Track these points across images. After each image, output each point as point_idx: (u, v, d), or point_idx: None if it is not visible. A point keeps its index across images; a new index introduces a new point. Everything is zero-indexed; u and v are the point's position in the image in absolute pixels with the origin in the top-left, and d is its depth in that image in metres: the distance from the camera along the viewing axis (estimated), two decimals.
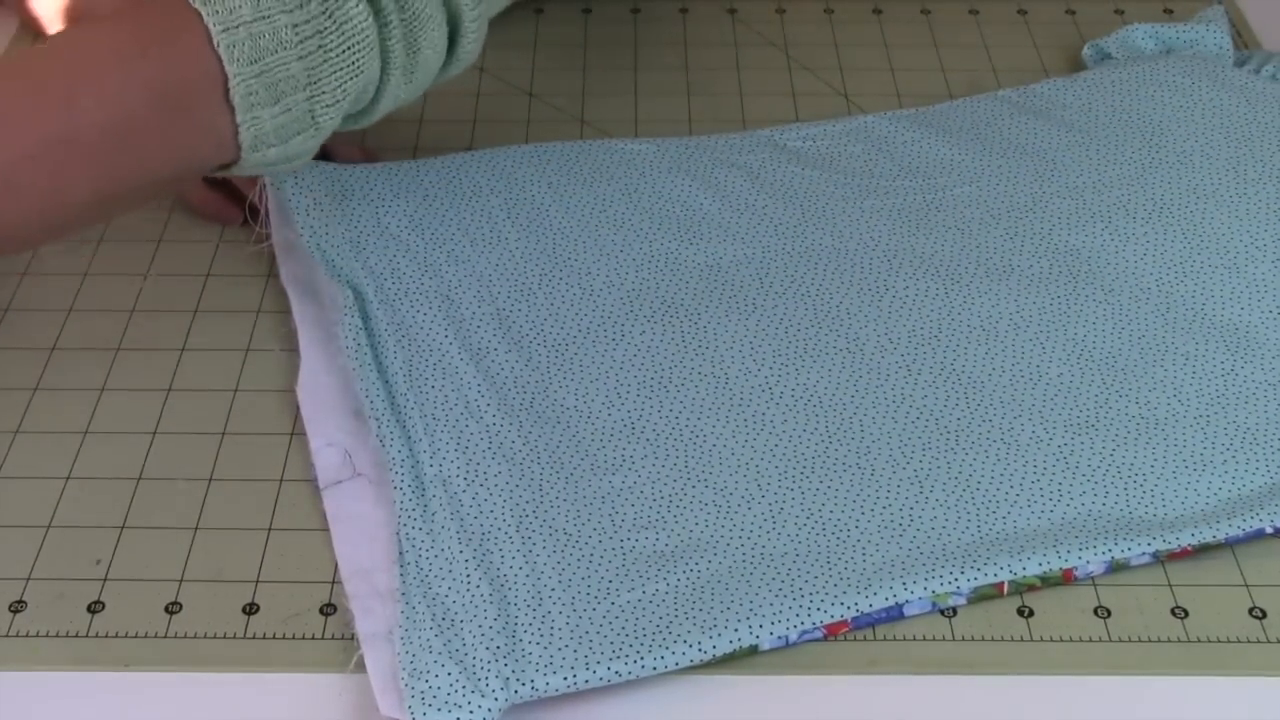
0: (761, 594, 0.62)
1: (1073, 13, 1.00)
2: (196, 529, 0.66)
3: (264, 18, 0.63)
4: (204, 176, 0.68)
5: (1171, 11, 1.00)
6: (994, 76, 0.94)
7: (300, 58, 0.64)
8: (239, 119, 0.63)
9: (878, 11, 1.00)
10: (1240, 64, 0.91)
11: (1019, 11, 1.00)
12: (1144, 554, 0.64)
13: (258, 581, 0.64)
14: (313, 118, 0.66)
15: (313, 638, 0.61)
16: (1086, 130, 0.86)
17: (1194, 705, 0.60)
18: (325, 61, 0.65)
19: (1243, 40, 0.96)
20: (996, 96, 0.89)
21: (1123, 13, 1.00)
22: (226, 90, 0.63)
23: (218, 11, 0.62)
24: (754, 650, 0.61)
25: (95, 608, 0.63)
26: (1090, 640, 0.62)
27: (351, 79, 0.66)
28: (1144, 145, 0.85)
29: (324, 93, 0.65)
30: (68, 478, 0.68)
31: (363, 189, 0.80)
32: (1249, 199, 0.81)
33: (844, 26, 0.98)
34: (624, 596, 0.62)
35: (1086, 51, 0.94)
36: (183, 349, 0.75)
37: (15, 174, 0.60)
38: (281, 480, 0.68)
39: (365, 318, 0.73)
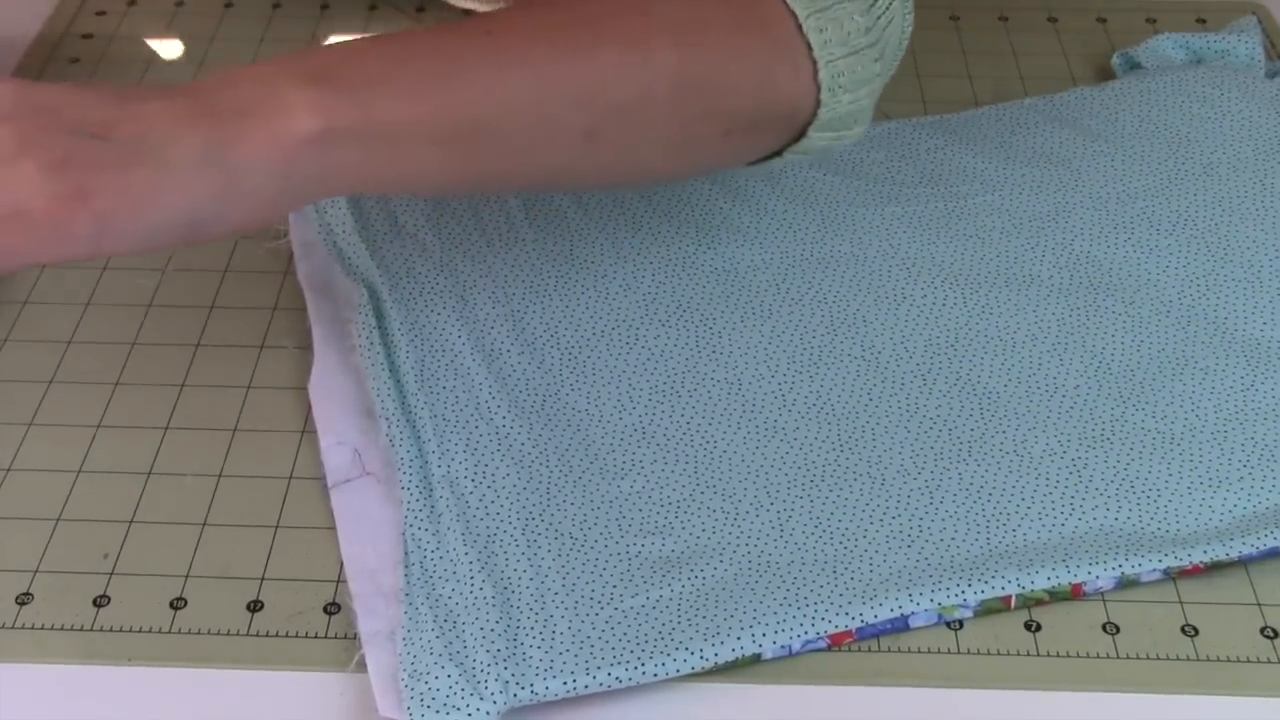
0: (765, 602, 0.61)
1: (1103, 21, 0.99)
2: (204, 525, 0.66)
3: None
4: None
5: (1205, 21, 0.99)
6: (1021, 84, 0.93)
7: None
8: (816, 53, 0.64)
9: None
10: (1272, 75, 0.90)
11: (1049, 19, 0.99)
12: (1155, 570, 0.63)
13: (263, 579, 0.64)
14: (874, 64, 0.66)
15: (315, 636, 0.61)
16: (1112, 140, 0.85)
17: None
18: (872, 6, 0.66)
19: (1276, 51, 0.95)
20: (1022, 105, 0.89)
21: (1154, 21, 0.99)
22: (799, 25, 0.64)
23: None
24: (757, 659, 0.60)
25: (101, 601, 0.63)
26: (1098, 657, 0.61)
27: (888, 25, 0.67)
28: (1170, 156, 0.84)
29: (875, 42, 0.66)
30: (79, 471, 0.68)
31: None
32: (1275, 213, 0.80)
33: None
34: (627, 602, 0.61)
35: (1115, 60, 0.93)
36: (198, 345, 0.75)
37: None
38: (291, 478, 0.68)
39: (379, 316, 0.73)
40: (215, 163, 0.54)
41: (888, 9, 0.67)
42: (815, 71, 0.65)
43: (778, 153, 0.69)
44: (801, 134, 0.67)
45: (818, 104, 0.66)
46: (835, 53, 0.65)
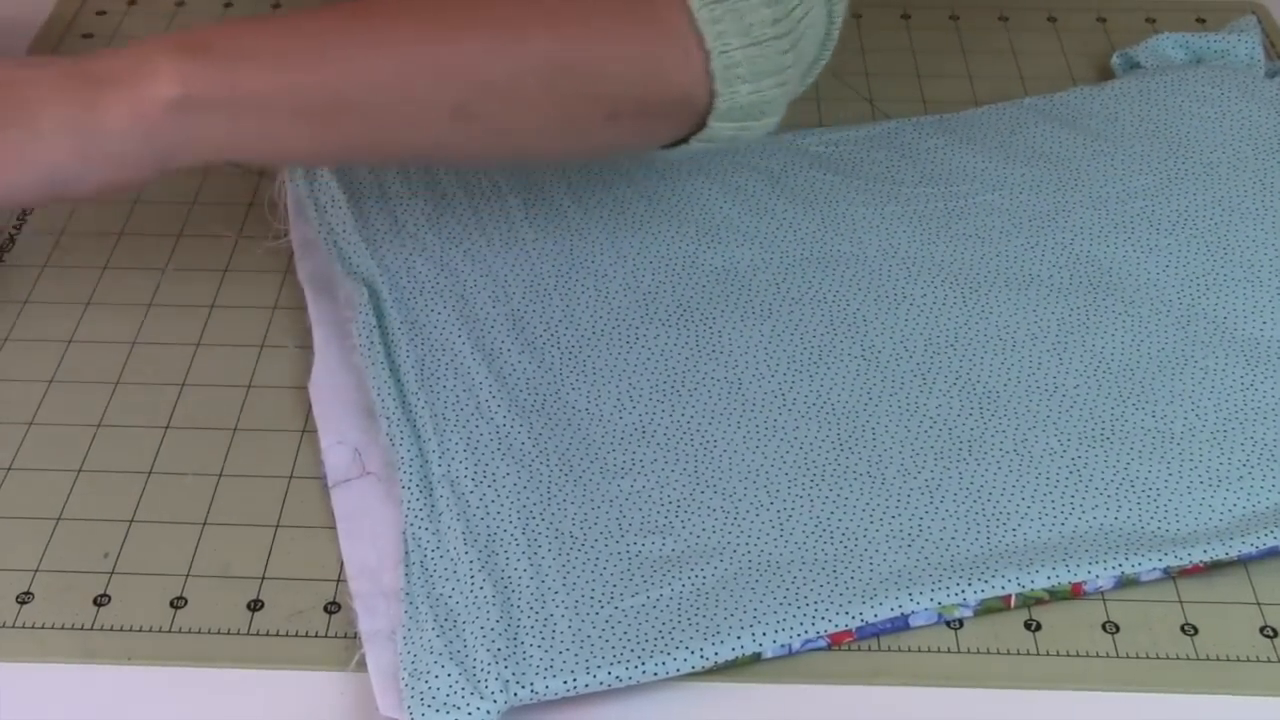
0: (765, 601, 0.61)
1: (1103, 20, 0.99)
2: (205, 524, 0.66)
3: None
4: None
5: (1204, 20, 0.99)
6: (1021, 84, 0.93)
7: None
8: (708, 44, 0.64)
9: (905, 17, 0.99)
10: (1272, 75, 0.90)
11: (1049, 19, 0.99)
12: (1155, 569, 0.63)
13: (263, 578, 0.64)
14: (782, 56, 0.66)
15: (316, 635, 0.61)
16: (1112, 140, 0.85)
17: None
18: None
19: (1276, 51, 0.95)
20: (1022, 104, 0.89)
21: (1154, 21, 0.99)
22: (691, 17, 0.64)
23: None
24: (757, 658, 0.60)
25: (101, 601, 0.63)
26: (1097, 656, 0.61)
27: (804, 16, 0.66)
28: (1170, 156, 0.84)
29: (786, 33, 0.65)
30: (79, 470, 0.68)
31: (380, 187, 0.80)
32: (1275, 212, 0.80)
33: (871, 31, 0.98)
34: (627, 601, 0.62)
35: (1115, 60, 0.93)
36: (198, 344, 0.75)
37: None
38: (291, 477, 0.68)
39: (379, 316, 0.73)
40: (79, 126, 0.59)
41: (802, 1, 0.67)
42: (708, 61, 0.65)
43: (685, 139, 0.69)
44: (704, 122, 0.67)
45: (713, 93, 0.66)
46: (732, 43, 0.64)
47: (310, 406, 0.71)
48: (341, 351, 0.73)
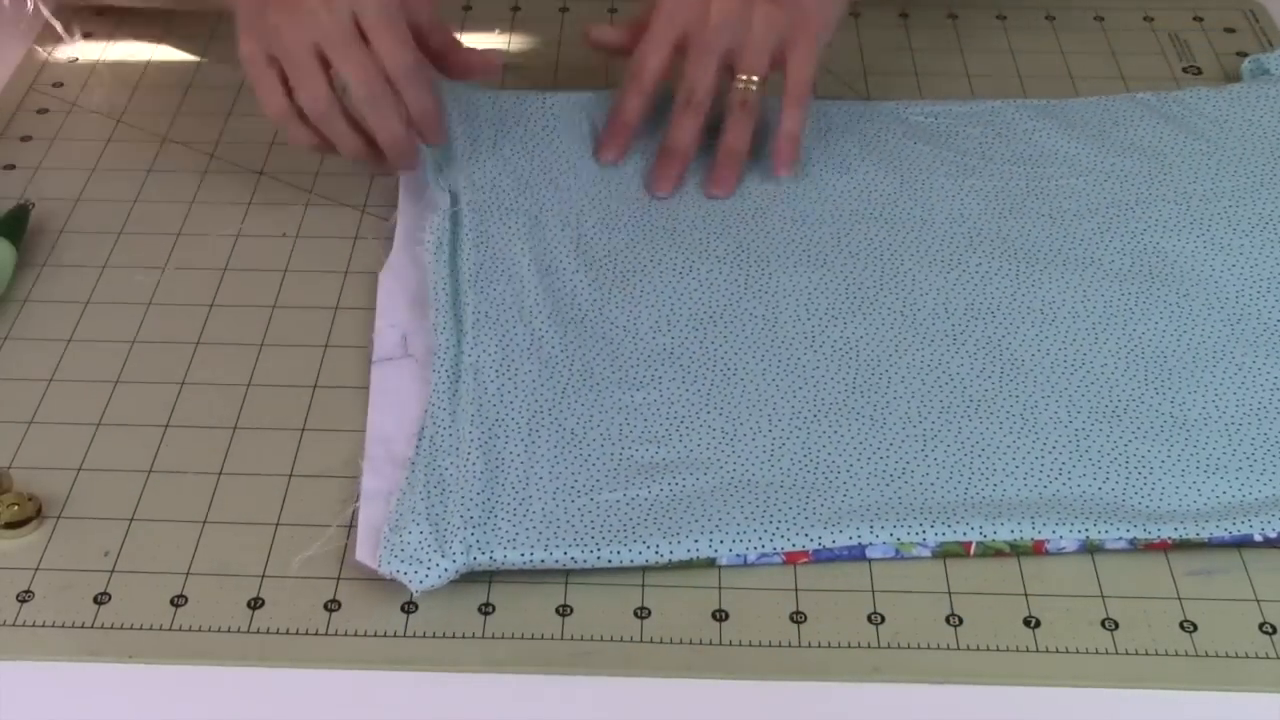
0: (731, 513, 0.64)
1: (1101, 19, 0.99)
2: (205, 522, 0.66)
3: None
4: None
5: (1201, 19, 0.99)
6: (1020, 83, 0.93)
7: None
8: None
9: (904, 15, 0.99)
10: None
11: (1046, 17, 0.99)
12: (1120, 539, 0.64)
13: (263, 576, 0.64)
14: None
15: (316, 634, 0.62)
16: (1214, 140, 0.85)
17: None
18: None
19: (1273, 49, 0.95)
20: (1134, 98, 0.89)
21: (1151, 19, 0.99)
22: None
23: None
24: (711, 564, 0.63)
25: (102, 599, 0.63)
26: (1097, 652, 0.61)
27: None
28: (1267, 161, 0.84)
29: None
30: (79, 469, 0.68)
31: (488, 113, 0.84)
32: None
33: (869, 31, 0.98)
34: (604, 496, 0.65)
35: (1246, 65, 0.92)
36: (198, 342, 0.75)
37: None
38: (291, 475, 0.68)
39: (454, 222, 0.77)
40: None
41: None
42: None
43: None
44: None
45: None
46: None
47: (313, 398, 0.72)
48: (416, 249, 0.77)
